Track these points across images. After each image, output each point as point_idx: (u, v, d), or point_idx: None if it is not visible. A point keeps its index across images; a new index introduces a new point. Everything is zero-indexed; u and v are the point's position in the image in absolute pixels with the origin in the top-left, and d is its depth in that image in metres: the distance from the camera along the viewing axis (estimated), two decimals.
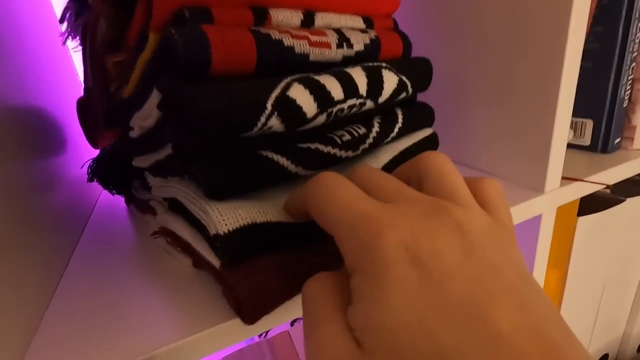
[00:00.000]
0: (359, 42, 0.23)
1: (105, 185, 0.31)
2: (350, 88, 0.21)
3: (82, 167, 0.32)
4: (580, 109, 0.34)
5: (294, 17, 0.21)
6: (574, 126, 0.36)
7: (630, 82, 0.32)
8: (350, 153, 0.22)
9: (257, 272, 0.18)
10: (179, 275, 0.23)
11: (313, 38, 0.20)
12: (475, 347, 0.10)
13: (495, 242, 0.13)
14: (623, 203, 0.37)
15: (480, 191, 0.16)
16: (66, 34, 0.32)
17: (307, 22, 0.22)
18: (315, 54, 0.20)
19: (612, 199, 0.36)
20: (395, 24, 0.28)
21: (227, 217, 0.17)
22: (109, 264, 0.25)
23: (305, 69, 0.20)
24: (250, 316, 0.17)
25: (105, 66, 0.25)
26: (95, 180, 0.31)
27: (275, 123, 0.18)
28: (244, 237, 0.17)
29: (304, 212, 0.17)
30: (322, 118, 0.20)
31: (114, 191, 0.32)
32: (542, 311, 0.11)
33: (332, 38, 0.22)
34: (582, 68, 0.33)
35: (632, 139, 0.34)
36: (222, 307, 0.19)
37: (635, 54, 0.31)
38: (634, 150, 0.35)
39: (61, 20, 0.32)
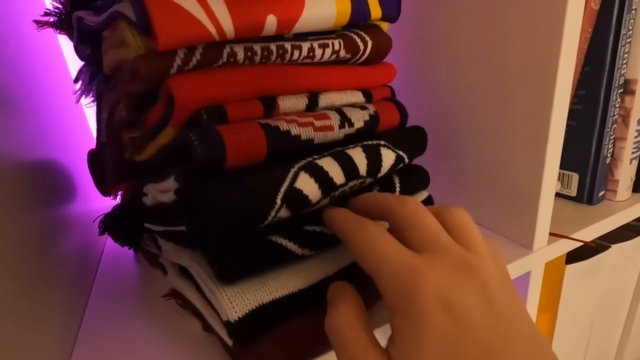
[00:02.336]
0: (359, 120, 0.25)
1: (116, 239, 0.32)
2: (351, 171, 0.22)
3: (93, 222, 0.34)
4: (567, 163, 0.36)
5: (300, 102, 0.23)
6: (561, 178, 0.38)
7: (612, 141, 0.34)
8: None
9: (267, 347, 0.19)
10: (190, 339, 0.24)
11: (317, 123, 0.22)
12: None
13: (507, 294, 0.16)
14: (609, 249, 0.39)
15: (487, 248, 0.18)
16: (80, 93, 0.34)
17: (312, 104, 0.24)
18: (320, 137, 0.22)
19: (598, 246, 0.38)
20: (392, 92, 0.30)
21: (236, 303, 0.18)
22: (121, 324, 0.26)
23: (310, 151, 0.22)
24: None
25: (121, 138, 0.26)
26: (106, 233, 0.32)
27: (283, 213, 0.19)
28: (253, 321, 0.19)
29: (339, 237, 0.20)
30: (325, 201, 0.22)
31: (124, 245, 0.33)
32: (545, 351, 0.14)
33: (335, 120, 0.23)
34: (568, 126, 0.35)
35: (615, 192, 0.36)
36: None
37: (616, 116, 0.34)
38: (617, 202, 0.37)
39: (75, 81, 0.33)
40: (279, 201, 0.19)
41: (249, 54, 0.20)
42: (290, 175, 0.20)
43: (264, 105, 0.21)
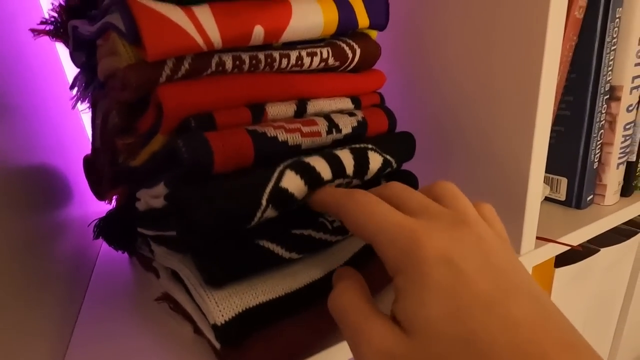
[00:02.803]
0: (347, 126, 0.25)
1: (110, 243, 0.33)
2: (338, 169, 0.23)
3: (88, 226, 0.34)
4: (555, 168, 0.37)
5: (288, 109, 0.24)
6: (550, 182, 0.38)
7: (599, 146, 0.35)
8: (340, 237, 0.24)
9: (255, 350, 0.20)
10: (181, 342, 0.24)
11: (305, 129, 0.23)
12: (499, 331, 0.13)
13: (504, 250, 0.16)
14: (598, 253, 0.39)
15: (481, 212, 0.19)
16: (76, 99, 0.34)
17: (300, 111, 0.24)
18: (307, 143, 0.23)
19: (587, 250, 0.39)
20: (382, 99, 0.30)
21: (223, 306, 0.19)
22: (114, 327, 0.27)
23: (298, 154, 0.23)
24: None
25: (115, 144, 0.27)
26: (100, 237, 0.33)
27: (270, 213, 0.20)
28: (239, 324, 0.19)
29: (332, 214, 0.20)
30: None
31: (119, 249, 0.33)
32: (544, 302, 0.15)
33: (323, 126, 0.24)
34: (556, 131, 0.36)
35: (603, 196, 0.37)
36: None
37: (603, 122, 0.34)
38: (605, 206, 0.37)
39: (72, 87, 0.34)
40: (264, 202, 0.19)
41: (238, 62, 0.21)
42: (275, 175, 0.20)
43: (252, 112, 0.22)
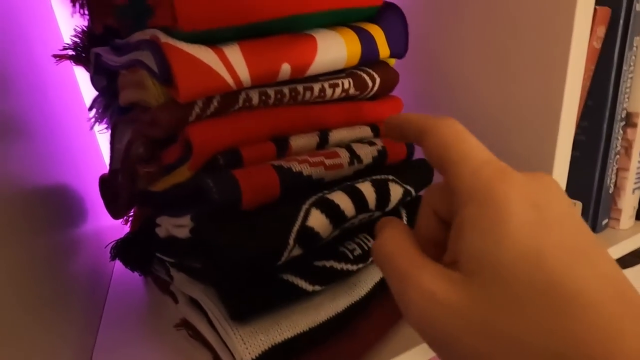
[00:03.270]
0: (367, 157, 0.26)
1: (127, 265, 0.33)
2: (361, 204, 0.23)
3: (105, 247, 0.34)
4: (571, 191, 0.37)
5: (311, 141, 0.24)
6: None
7: (615, 171, 0.35)
8: (361, 265, 0.24)
9: None
10: None
11: (328, 162, 0.23)
12: (586, 282, 0.11)
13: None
14: None
15: None
16: (94, 120, 0.35)
17: (323, 142, 0.25)
18: (330, 175, 0.23)
19: None
20: None
21: (250, 344, 0.19)
22: (134, 352, 0.27)
23: (321, 188, 0.23)
24: None
25: (136, 170, 0.27)
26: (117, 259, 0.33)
27: (296, 252, 0.20)
28: None
29: (411, 136, 0.18)
30: (335, 233, 0.22)
31: (135, 270, 0.33)
32: (620, 274, 0.13)
33: (345, 158, 0.24)
34: (572, 156, 0.36)
35: (618, 220, 0.37)
36: None
37: (619, 148, 0.34)
38: (620, 230, 0.37)
39: (90, 109, 0.34)
40: (291, 242, 0.19)
41: (264, 97, 0.21)
42: (301, 214, 0.20)
43: (277, 147, 0.22)
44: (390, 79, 0.29)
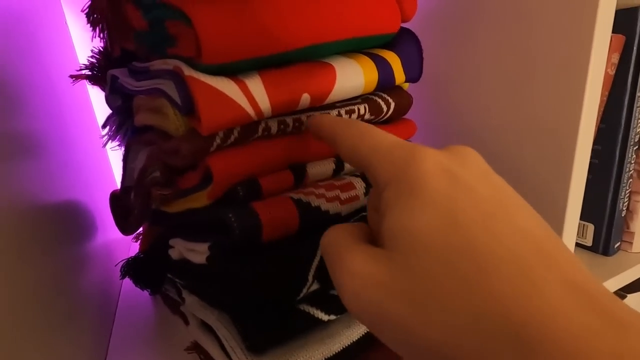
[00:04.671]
0: None
1: (137, 284, 0.33)
2: None
3: (115, 265, 0.34)
4: (583, 213, 0.37)
5: (327, 168, 0.24)
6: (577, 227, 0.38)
7: (628, 195, 0.35)
8: None
9: None
10: None
11: (343, 196, 0.23)
12: (499, 240, 0.11)
13: (498, 177, 0.15)
14: (625, 299, 0.38)
15: None
16: (107, 138, 0.35)
17: (338, 169, 0.25)
18: (346, 209, 0.23)
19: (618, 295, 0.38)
20: None
21: None
22: None
23: (338, 221, 0.23)
24: None
25: (150, 192, 0.27)
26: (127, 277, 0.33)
27: (314, 287, 0.20)
28: None
29: (326, 139, 0.18)
30: None
31: (145, 289, 0.33)
32: (546, 223, 0.13)
33: (360, 189, 0.24)
34: None
35: (631, 243, 0.37)
36: None
37: (632, 171, 0.34)
38: (633, 253, 0.37)
39: (103, 127, 0.34)
40: (310, 278, 0.19)
41: (282, 126, 0.21)
42: (320, 250, 0.20)
43: (295, 176, 0.22)
44: (404, 103, 0.29)
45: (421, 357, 0.12)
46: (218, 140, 0.19)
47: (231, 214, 0.18)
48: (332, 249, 0.15)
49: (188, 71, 0.18)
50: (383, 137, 0.16)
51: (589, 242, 0.37)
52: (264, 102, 0.19)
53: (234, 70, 0.19)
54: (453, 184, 0.13)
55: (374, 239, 0.16)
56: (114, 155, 0.47)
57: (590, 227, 0.37)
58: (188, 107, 0.18)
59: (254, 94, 0.19)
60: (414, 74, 0.28)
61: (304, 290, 0.19)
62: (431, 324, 0.11)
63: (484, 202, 0.12)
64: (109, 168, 0.46)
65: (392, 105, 0.28)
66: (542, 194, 0.29)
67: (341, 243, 0.15)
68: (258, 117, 0.19)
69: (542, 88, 0.28)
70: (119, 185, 0.50)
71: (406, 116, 0.31)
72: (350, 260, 0.14)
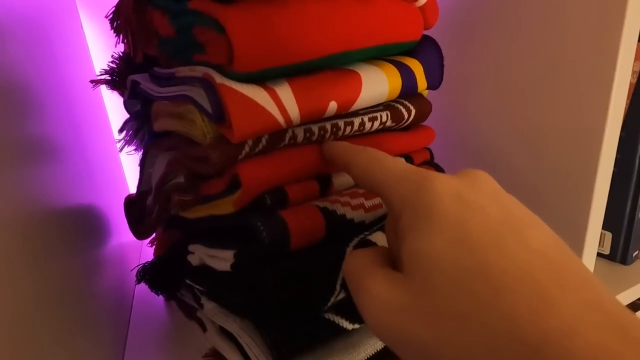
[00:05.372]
0: None
1: (152, 289, 0.33)
2: None
3: (131, 271, 0.34)
4: None
5: (352, 179, 0.24)
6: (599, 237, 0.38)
7: None
8: None
9: None
10: None
11: (367, 204, 0.23)
12: (511, 260, 0.12)
13: (513, 199, 0.15)
14: None
15: None
16: (124, 143, 0.35)
17: None
18: (370, 217, 0.23)
19: (631, 305, 0.38)
20: (431, 155, 0.30)
21: None
22: None
23: (363, 229, 0.23)
24: None
25: (170, 197, 0.27)
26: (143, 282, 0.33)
27: (341, 296, 0.20)
28: None
29: (339, 165, 0.20)
30: None
31: (160, 294, 0.33)
32: (559, 239, 0.13)
33: None
34: None
35: None
36: None
37: None
38: None
39: (120, 131, 0.34)
40: (338, 287, 0.19)
41: (308, 134, 0.21)
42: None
43: (320, 185, 0.22)
44: (424, 110, 0.29)
45: None
46: (247, 149, 0.19)
47: (259, 222, 0.18)
48: (353, 275, 0.16)
49: (220, 79, 0.18)
50: (394, 163, 0.17)
51: (606, 250, 0.37)
52: (293, 110, 0.19)
53: (262, 78, 0.19)
54: (464, 207, 0.13)
55: (394, 261, 0.16)
56: (127, 159, 0.47)
57: (609, 236, 0.36)
58: (218, 115, 0.18)
59: (284, 102, 0.19)
60: (434, 81, 0.28)
61: (332, 299, 0.19)
62: (450, 345, 0.12)
63: (494, 223, 0.13)
64: (121, 172, 0.46)
65: (413, 112, 0.27)
66: (564, 203, 0.29)
67: (362, 269, 0.15)
68: (287, 125, 0.19)
69: (566, 96, 0.28)
70: (131, 190, 0.50)
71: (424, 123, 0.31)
72: (371, 286, 0.14)
